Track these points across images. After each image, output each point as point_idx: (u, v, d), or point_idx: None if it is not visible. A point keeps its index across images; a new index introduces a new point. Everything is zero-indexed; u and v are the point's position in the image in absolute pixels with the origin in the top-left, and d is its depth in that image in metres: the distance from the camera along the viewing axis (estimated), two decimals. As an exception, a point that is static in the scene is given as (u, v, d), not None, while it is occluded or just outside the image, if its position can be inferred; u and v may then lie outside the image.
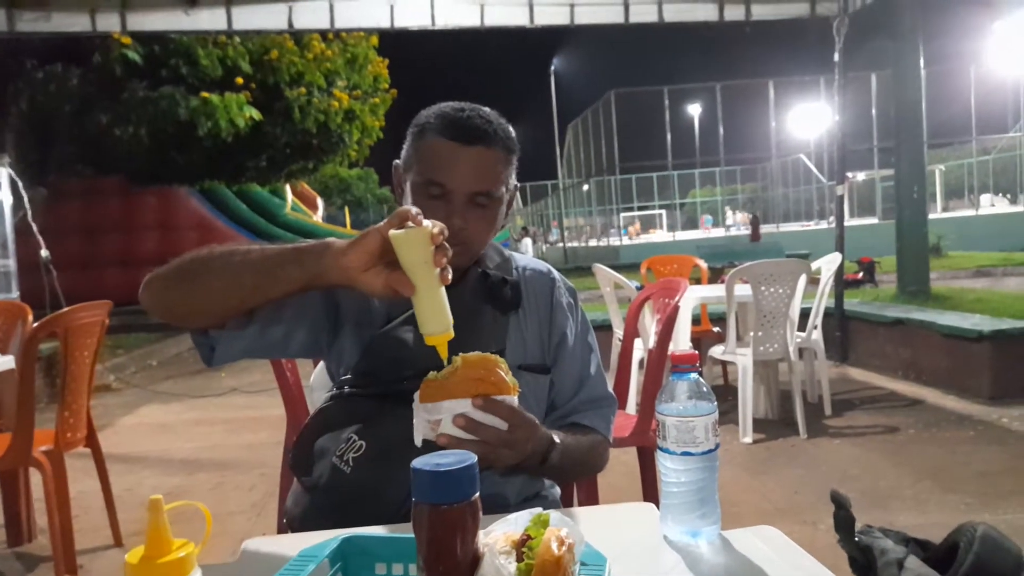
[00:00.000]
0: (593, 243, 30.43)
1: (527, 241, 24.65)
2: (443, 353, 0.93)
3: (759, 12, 6.48)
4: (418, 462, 0.63)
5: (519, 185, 1.28)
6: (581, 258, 24.27)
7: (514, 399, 0.96)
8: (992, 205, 27.33)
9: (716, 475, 0.89)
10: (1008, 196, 28.47)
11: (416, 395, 0.96)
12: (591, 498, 1.91)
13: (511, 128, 1.20)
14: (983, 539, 0.56)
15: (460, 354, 0.95)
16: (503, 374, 0.95)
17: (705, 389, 0.88)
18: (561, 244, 31.11)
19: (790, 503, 3.13)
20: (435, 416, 0.95)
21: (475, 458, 0.63)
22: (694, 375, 0.89)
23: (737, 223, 30.95)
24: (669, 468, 0.88)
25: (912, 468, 3.49)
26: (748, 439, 3.98)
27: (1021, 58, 23.76)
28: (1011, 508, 2.93)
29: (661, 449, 0.88)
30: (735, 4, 6.45)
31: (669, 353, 0.92)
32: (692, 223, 34.06)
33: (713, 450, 0.87)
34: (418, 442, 0.96)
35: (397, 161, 1.24)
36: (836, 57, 6.18)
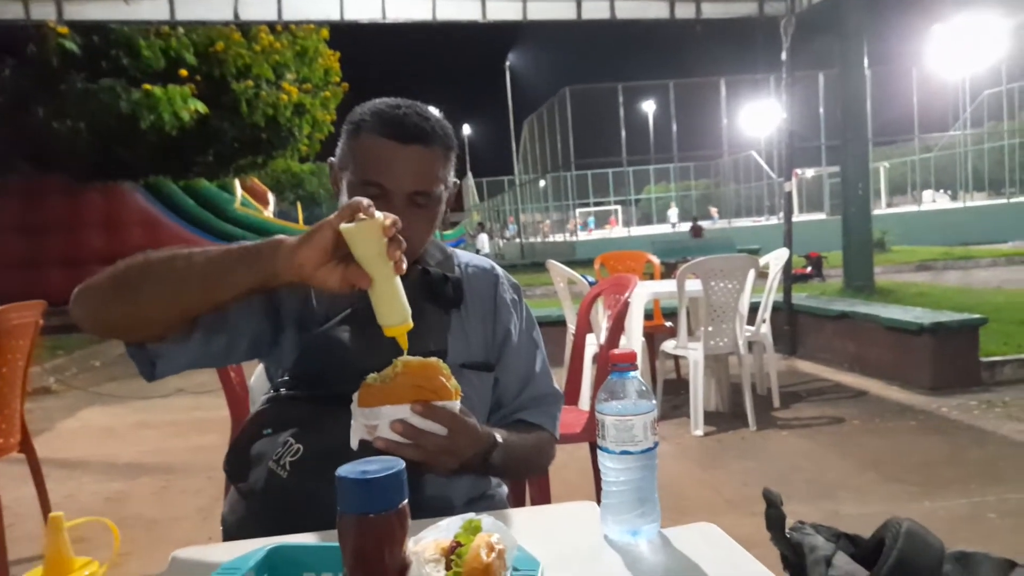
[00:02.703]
0: (550, 239, 30.54)
1: (483, 237, 24.64)
2: (403, 344, 0.93)
3: (709, 11, 6.58)
4: (343, 470, 0.60)
5: (459, 183, 1.26)
6: (538, 253, 24.30)
7: (456, 404, 0.95)
8: (934, 201, 28.31)
9: (655, 473, 0.88)
10: (948, 192, 29.50)
11: (355, 396, 0.93)
12: (543, 495, 1.90)
13: (448, 124, 1.17)
14: (907, 535, 0.56)
15: (402, 358, 0.93)
16: (444, 379, 0.93)
17: (644, 388, 0.88)
18: (518, 240, 31.15)
19: (740, 495, 3.18)
20: (373, 421, 0.93)
21: (403, 465, 0.61)
22: (633, 374, 0.88)
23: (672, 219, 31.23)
24: (609, 467, 0.87)
25: (857, 458, 3.58)
26: (699, 432, 4.03)
27: (959, 60, 24.64)
28: (950, 495, 3.03)
29: (600, 448, 0.88)
30: (686, 2, 6.53)
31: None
32: (647, 219, 34.48)
33: (652, 448, 0.87)
34: (354, 444, 0.93)
35: (332, 159, 1.21)
36: (784, 56, 6.30)
